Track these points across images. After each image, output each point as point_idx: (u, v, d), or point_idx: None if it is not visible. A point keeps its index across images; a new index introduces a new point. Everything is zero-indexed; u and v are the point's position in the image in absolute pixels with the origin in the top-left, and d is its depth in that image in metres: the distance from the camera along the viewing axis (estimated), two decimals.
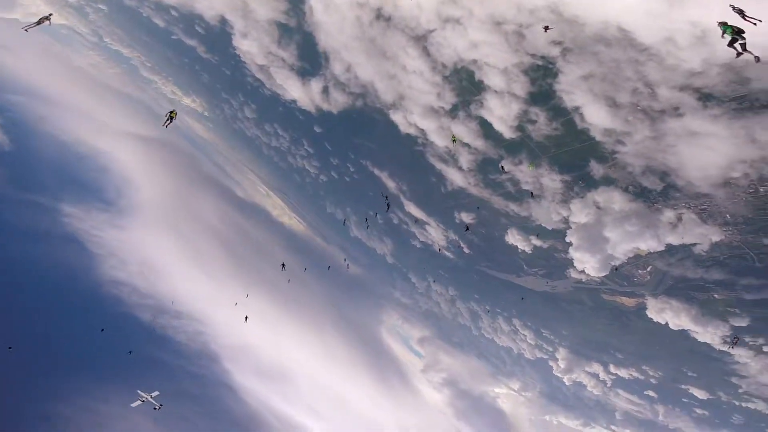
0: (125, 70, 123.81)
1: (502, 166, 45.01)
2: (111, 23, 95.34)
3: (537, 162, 44.04)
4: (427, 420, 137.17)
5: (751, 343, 45.15)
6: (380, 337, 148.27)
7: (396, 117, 56.16)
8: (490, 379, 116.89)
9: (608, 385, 72.11)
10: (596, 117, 35.36)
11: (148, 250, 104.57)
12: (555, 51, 33.48)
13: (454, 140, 40.86)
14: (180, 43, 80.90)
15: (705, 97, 28.96)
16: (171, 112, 21.54)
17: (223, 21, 65.38)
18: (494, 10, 33.82)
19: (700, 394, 57.47)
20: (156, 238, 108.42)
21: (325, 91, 62.70)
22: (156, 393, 43.63)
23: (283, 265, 44.97)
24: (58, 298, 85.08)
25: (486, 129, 46.39)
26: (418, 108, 51.15)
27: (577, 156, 41.54)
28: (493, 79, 40.52)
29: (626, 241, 43.50)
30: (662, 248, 41.71)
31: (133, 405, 45.59)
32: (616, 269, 48.99)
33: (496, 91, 41.49)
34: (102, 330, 77.19)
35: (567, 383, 79.42)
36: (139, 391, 43.51)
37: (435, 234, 74.73)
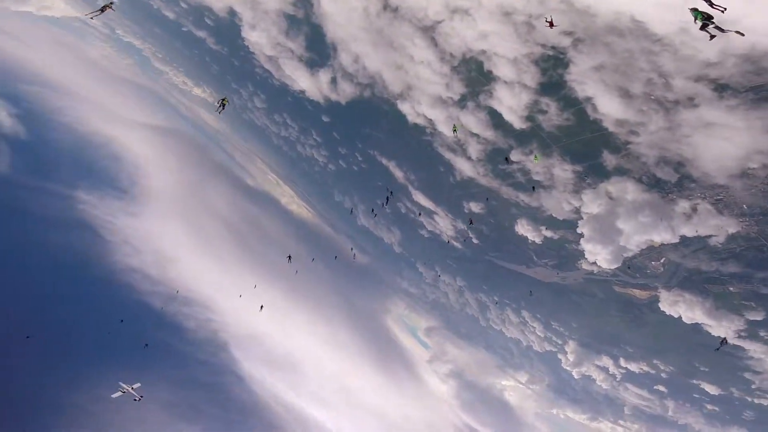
0: (137, 62, 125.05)
1: (507, 158, 44.40)
2: (123, 15, 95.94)
3: (548, 151, 43.26)
4: (433, 411, 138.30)
5: (766, 337, 44.26)
6: (387, 327, 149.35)
7: (404, 107, 55.74)
8: (497, 371, 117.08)
9: (618, 379, 71.37)
10: (609, 107, 34.44)
11: (160, 238, 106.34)
12: (566, 41, 32.56)
13: (455, 129, 40.87)
14: (190, 35, 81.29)
15: (721, 88, 27.97)
16: (223, 99, 22.74)
17: (232, 12, 65.45)
18: (503, 0, 32.98)
19: (712, 389, 56.65)
20: (167, 225, 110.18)
21: (333, 81, 62.63)
22: (137, 384, 43.84)
23: (290, 257, 45.25)
24: (73, 285, 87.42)
25: (496, 119, 45.63)
26: (426, 98, 50.58)
27: (589, 146, 40.64)
28: (502, 70, 39.69)
29: (639, 233, 42.49)
30: (676, 240, 40.64)
31: (114, 396, 45.37)
32: (629, 268, 48.20)
33: (505, 82, 40.69)
34: (121, 321, 78.41)
35: (576, 376, 78.77)
36: (120, 383, 43.69)
37: (443, 224, 74.49)
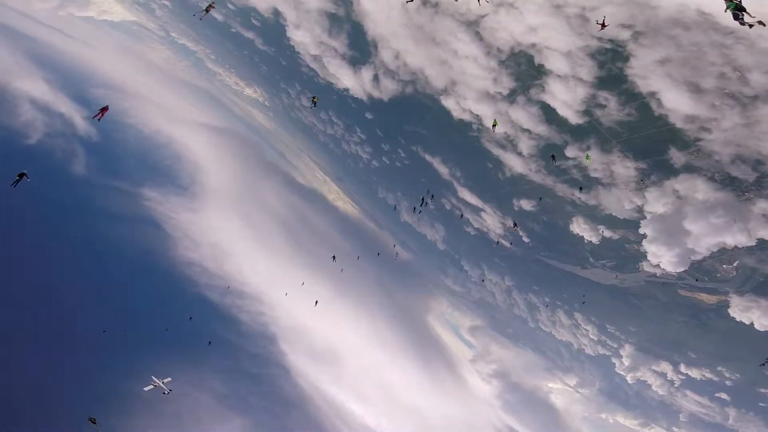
0: (192, 63, 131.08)
1: (553, 156, 42.28)
2: (175, 18, 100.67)
3: (607, 147, 40.51)
4: (472, 411, 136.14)
5: None
6: (429, 325, 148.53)
7: (448, 103, 54.26)
8: (545, 373, 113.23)
9: (676, 385, 67.62)
10: (676, 102, 31.40)
11: (217, 233, 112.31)
12: (625, 34, 29.84)
13: (494, 124, 39.43)
14: (239, 36, 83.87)
15: None
16: (313, 98, 26.08)
17: (276, 12, 66.53)
18: None
19: None
20: (224, 221, 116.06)
21: (376, 78, 62.16)
22: (168, 379, 45.01)
23: (334, 257, 45.90)
24: (140, 278, 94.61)
25: (549, 114, 43.30)
26: (472, 93, 48.87)
27: (653, 141, 37.68)
28: (555, 63, 37.28)
29: (711, 235, 38.95)
30: (753, 243, 36.92)
31: (146, 389, 46.83)
32: (698, 272, 44.44)
33: (559, 76, 38.28)
34: (190, 318, 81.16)
35: (630, 381, 75.09)
36: (153, 377, 45.03)
37: (491, 221, 72.48)
